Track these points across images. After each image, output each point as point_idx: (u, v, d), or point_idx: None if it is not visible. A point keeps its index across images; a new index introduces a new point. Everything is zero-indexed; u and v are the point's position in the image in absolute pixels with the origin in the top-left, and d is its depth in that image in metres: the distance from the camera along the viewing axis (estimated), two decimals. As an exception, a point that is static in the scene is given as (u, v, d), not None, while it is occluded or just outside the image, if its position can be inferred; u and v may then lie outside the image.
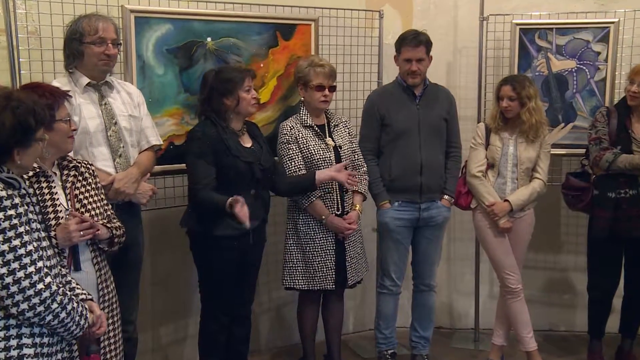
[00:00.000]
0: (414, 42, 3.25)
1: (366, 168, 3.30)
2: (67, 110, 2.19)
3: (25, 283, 1.70)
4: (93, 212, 2.25)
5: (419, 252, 3.49)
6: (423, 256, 3.48)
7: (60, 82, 2.61)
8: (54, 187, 2.15)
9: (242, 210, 2.68)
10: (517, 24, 3.68)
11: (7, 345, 1.74)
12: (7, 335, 1.74)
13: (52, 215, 2.10)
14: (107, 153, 2.65)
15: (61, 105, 2.16)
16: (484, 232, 3.41)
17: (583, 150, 3.50)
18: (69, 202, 2.18)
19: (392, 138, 3.32)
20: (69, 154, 2.33)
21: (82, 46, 2.59)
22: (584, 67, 3.67)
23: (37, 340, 1.78)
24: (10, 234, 1.69)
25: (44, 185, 2.12)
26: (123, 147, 2.69)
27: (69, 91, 2.27)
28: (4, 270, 1.69)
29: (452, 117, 3.45)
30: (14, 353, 1.74)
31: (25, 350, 1.76)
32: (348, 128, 3.30)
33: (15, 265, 1.70)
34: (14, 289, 1.70)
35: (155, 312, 3.43)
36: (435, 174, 3.37)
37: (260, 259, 3.08)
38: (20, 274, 1.70)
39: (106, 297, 2.26)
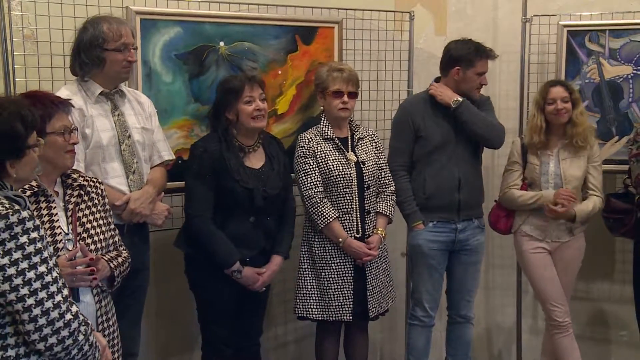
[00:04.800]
0: (492, 55, 3.25)
1: (394, 187, 3.21)
2: (64, 121, 2.12)
3: (55, 314, 1.64)
4: (96, 238, 2.18)
5: (454, 279, 3.40)
6: (459, 284, 3.40)
7: (70, 90, 2.56)
8: (54, 207, 2.08)
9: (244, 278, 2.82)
10: (565, 26, 3.58)
11: None
12: None
13: (49, 240, 2.02)
14: (120, 169, 2.61)
15: (56, 116, 2.10)
16: (527, 258, 3.31)
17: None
18: (70, 226, 2.11)
19: (426, 151, 3.25)
20: (76, 168, 2.28)
21: (104, 53, 2.55)
22: (642, 74, 3.55)
23: None
24: (36, 259, 1.63)
25: (43, 205, 2.06)
26: (137, 162, 2.65)
27: (69, 99, 2.21)
28: (31, 300, 1.62)
29: (489, 112, 3.36)
30: None
31: None
32: (375, 142, 3.21)
33: (42, 294, 1.63)
34: (42, 321, 1.63)
35: (159, 344, 3.36)
36: (474, 190, 3.32)
37: (266, 289, 3.00)
38: (49, 304, 1.64)
39: (106, 332, 2.18)
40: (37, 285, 1.63)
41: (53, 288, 1.65)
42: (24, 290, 1.61)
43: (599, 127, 3.53)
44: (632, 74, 3.55)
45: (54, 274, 1.66)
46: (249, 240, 2.82)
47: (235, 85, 2.82)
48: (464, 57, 3.22)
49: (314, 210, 3.01)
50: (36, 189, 2.05)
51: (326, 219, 3.00)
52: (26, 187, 2.02)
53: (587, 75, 3.60)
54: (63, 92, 2.47)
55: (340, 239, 3.01)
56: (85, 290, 2.11)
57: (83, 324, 1.72)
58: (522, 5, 3.69)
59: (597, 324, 3.96)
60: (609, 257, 3.88)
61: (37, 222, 1.66)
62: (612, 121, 3.61)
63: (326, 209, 3.00)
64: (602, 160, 3.40)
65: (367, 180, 3.08)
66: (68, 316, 1.67)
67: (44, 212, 2.05)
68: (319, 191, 3.02)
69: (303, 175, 3.04)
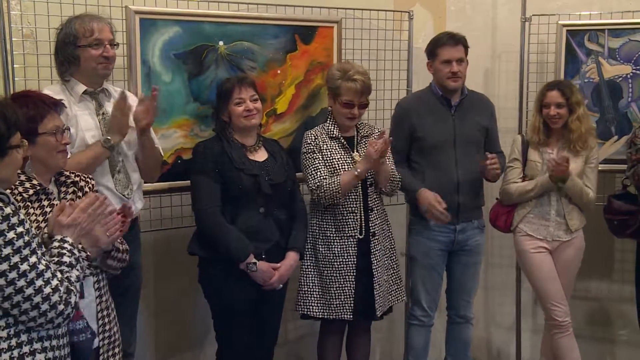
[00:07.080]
0: (452, 40, 3.21)
1: (399, 177, 3.16)
2: (56, 121, 2.11)
3: (55, 298, 1.72)
4: None
5: (454, 279, 3.41)
6: (458, 284, 3.41)
7: (53, 90, 2.56)
8: (56, 205, 2.07)
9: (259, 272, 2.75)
10: (564, 25, 3.59)
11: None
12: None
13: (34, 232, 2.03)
14: (105, 167, 2.61)
15: (48, 116, 2.08)
16: (527, 258, 3.32)
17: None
18: None
19: (424, 152, 3.26)
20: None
21: (77, 50, 2.56)
22: (641, 73, 3.56)
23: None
24: (26, 252, 1.68)
25: (46, 204, 2.06)
26: (122, 160, 2.67)
27: (62, 100, 2.21)
28: (30, 290, 1.69)
29: (493, 125, 3.39)
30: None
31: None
32: None
33: (39, 282, 1.70)
34: (45, 307, 1.71)
35: (159, 345, 3.36)
36: (473, 192, 3.31)
37: (281, 291, 2.98)
38: (47, 289, 1.72)
39: (107, 327, 2.19)
40: (32, 275, 1.69)
41: (48, 274, 1.72)
42: (21, 282, 1.67)
43: (598, 126, 3.53)
44: (631, 74, 3.56)
45: (44, 262, 1.73)
46: (262, 232, 2.81)
47: (226, 87, 2.88)
48: (428, 50, 3.28)
49: (325, 189, 2.95)
50: (38, 188, 2.05)
51: (338, 182, 2.93)
52: (28, 186, 2.03)
53: (586, 75, 3.60)
54: (45, 93, 2.46)
55: (356, 170, 2.94)
56: (87, 285, 2.11)
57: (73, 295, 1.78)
58: (521, 4, 3.69)
59: (596, 323, 3.97)
60: (609, 257, 3.88)
61: (22, 215, 1.70)
62: (611, 121, 3.61)
63: (334, 179, 2.95)
64: (602, 159, 3.41)
65: (369, 177, 3.08)
66: (67, 297, 1.75)
67: (47, 209, 2.06)
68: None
69: (312, 170, 3.02)
